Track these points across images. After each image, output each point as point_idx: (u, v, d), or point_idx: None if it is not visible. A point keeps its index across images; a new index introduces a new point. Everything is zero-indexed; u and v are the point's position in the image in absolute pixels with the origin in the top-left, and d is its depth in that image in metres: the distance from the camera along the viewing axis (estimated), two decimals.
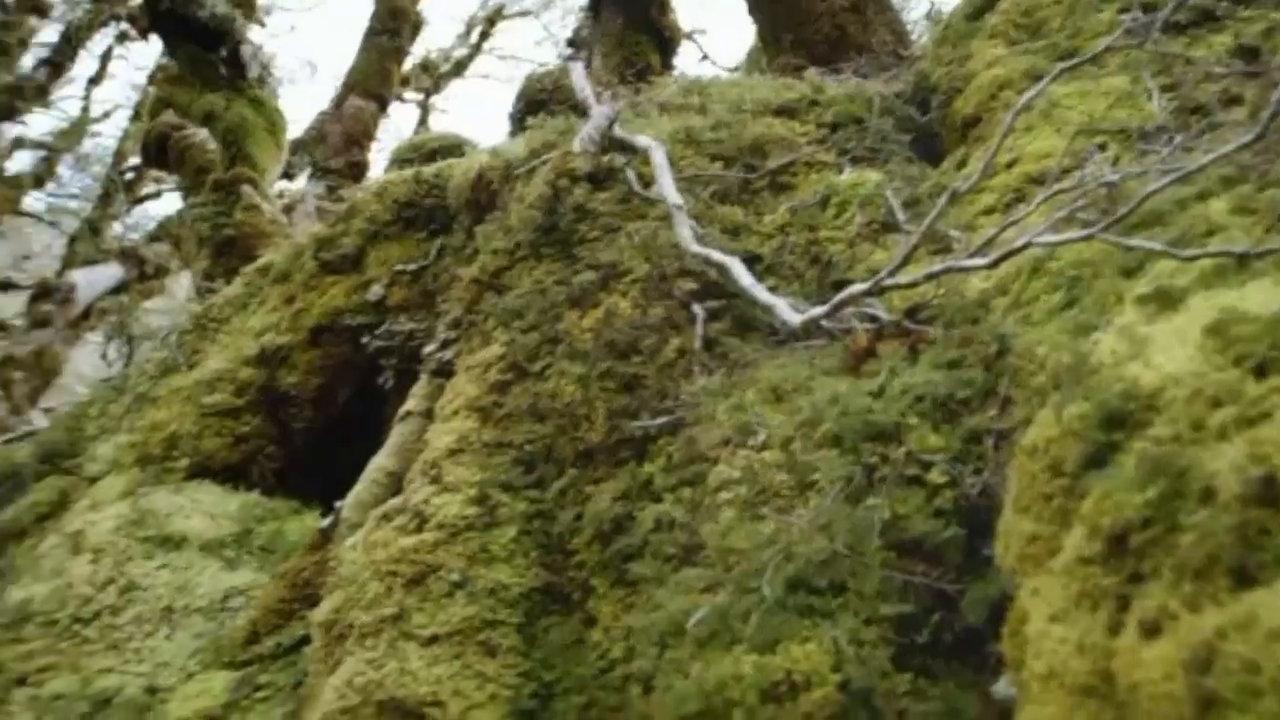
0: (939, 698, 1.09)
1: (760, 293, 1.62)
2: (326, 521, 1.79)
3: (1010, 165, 1.74)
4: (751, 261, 1.80)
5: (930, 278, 1.44)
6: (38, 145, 10.59)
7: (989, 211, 1.71)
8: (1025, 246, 1.27)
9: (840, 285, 1.64)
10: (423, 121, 11.09)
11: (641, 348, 1.65)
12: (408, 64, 8.56)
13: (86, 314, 7.49)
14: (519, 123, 4.11)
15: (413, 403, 1.87)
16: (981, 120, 2.02)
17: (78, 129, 11.02)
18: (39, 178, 10.61)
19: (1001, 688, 1.02)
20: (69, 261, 8.38)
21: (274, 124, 5.29)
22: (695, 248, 1.76)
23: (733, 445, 1.44)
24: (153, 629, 1.96)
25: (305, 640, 1.69)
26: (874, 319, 1.53)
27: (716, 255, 1.73)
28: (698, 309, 1.71)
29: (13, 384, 6.92)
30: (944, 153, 2.13)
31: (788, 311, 1.55)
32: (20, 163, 10.13)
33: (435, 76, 11.05)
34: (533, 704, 1.37)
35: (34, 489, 2.90)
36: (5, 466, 3.08)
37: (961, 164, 1.98)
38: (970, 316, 1.41)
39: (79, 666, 1.91)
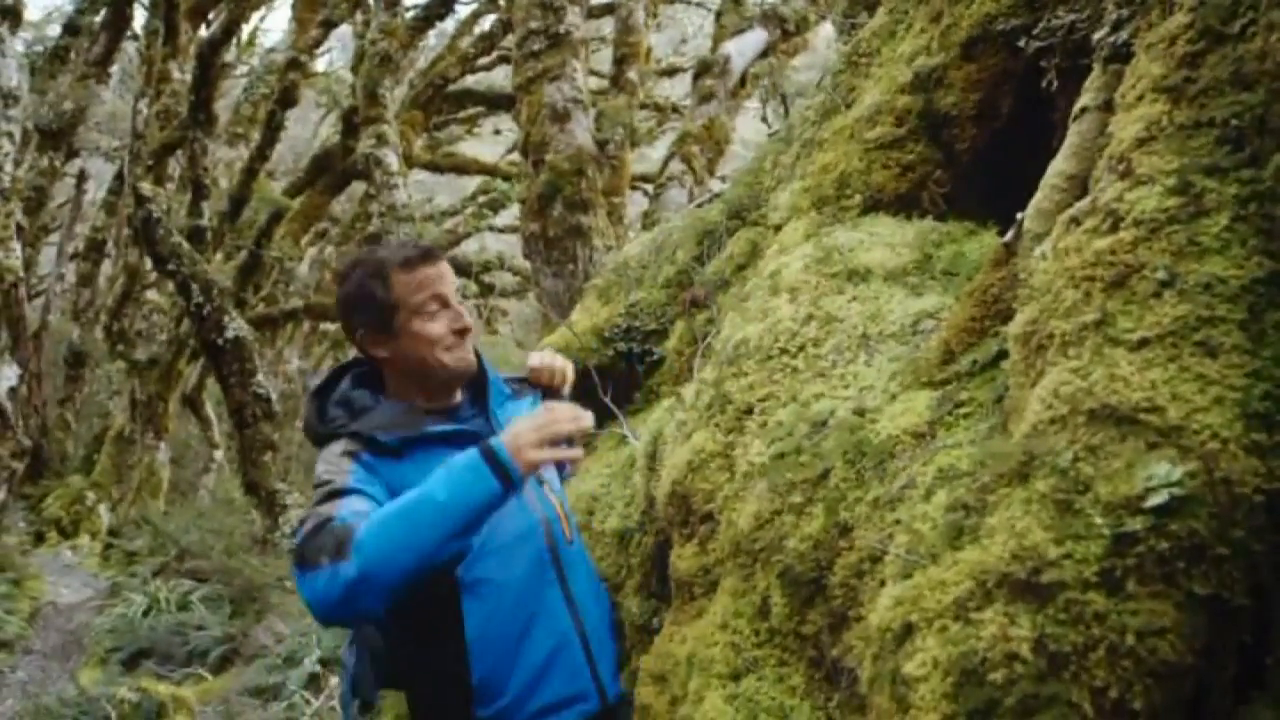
0: None
1: None
2: (1008, 235, 1.74)
3: None
4: None
5: None
6: None
7: None
8: None
9: None
10: None
11: None
12: None
13: (743, 82, 7.99)
14: None
15: (1087, 97, 1.71)
16: None
17: None
18: None
19: None
20: (719, 36, 8.92)
21: None
22: None
23: None
24: (852, 356, 2.07)
25: (1001, 355, 1.68)
26: None
27: None
28: None
29: (693, 157, 7.66)
30: None
31: None
32: None
33: None
34: (1265, 405, 1.23)
35: (728, 243, 3.21)
36: (701, 226, 3.44)
37: None
38: None
39: (794, 394, 2.10)
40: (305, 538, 1.87)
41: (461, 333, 2.17)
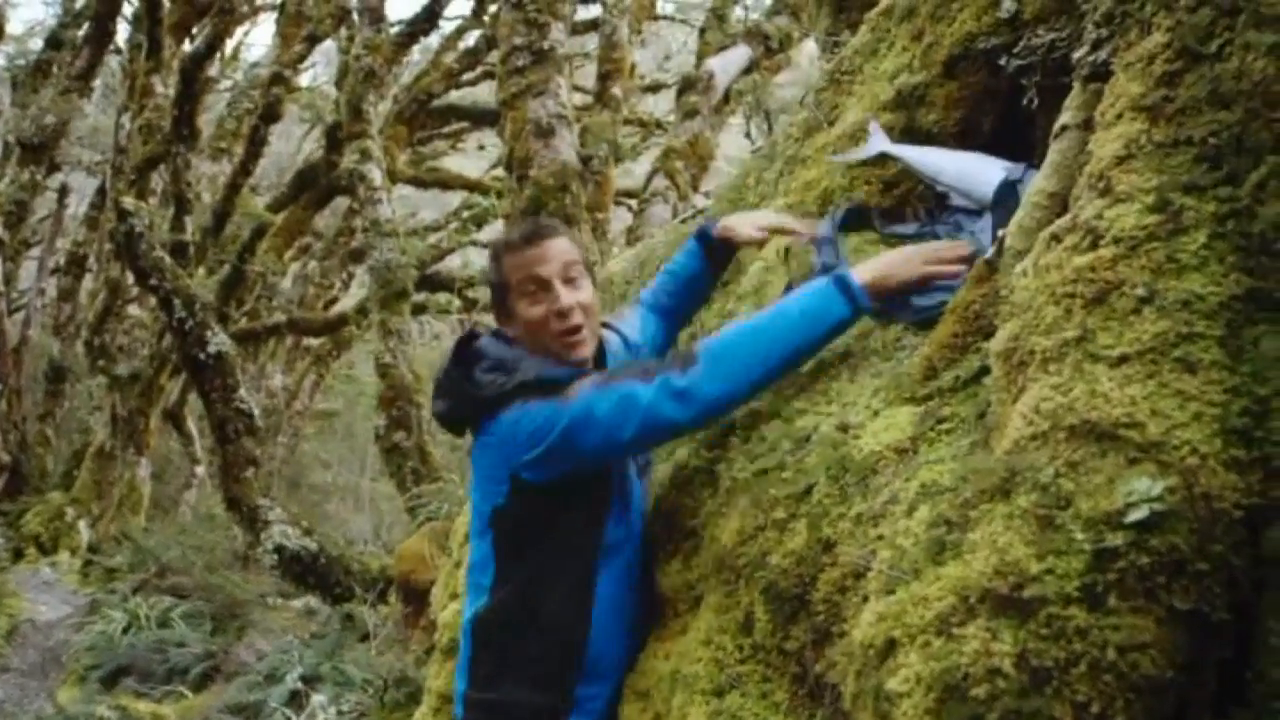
0: None
1: None
2: (991, 252, 1.75)
3: None
4: None
5: None
6: None
7: None
8: None
9: None
10: None
11: None
12: None
13: (726, 98, 8.02)
14: None
15: (1067, 116, 1.73)
16: None
17: None
18: None
19: None
20: (702, 52, 8.97)
21: None
22: None
23: None
24: (835, 373, 2.08)
25: (983, 371, 1.68)
26: None
27: None
28: None
29: (676, 173, 7.68)
30: None
31: None
32: None
33: None
34: (1244, 421, 1.24)
35: None
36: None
37: None
38: None
39: (777, 410, 2.10)
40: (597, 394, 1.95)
41: (561, 314, 2.07)
